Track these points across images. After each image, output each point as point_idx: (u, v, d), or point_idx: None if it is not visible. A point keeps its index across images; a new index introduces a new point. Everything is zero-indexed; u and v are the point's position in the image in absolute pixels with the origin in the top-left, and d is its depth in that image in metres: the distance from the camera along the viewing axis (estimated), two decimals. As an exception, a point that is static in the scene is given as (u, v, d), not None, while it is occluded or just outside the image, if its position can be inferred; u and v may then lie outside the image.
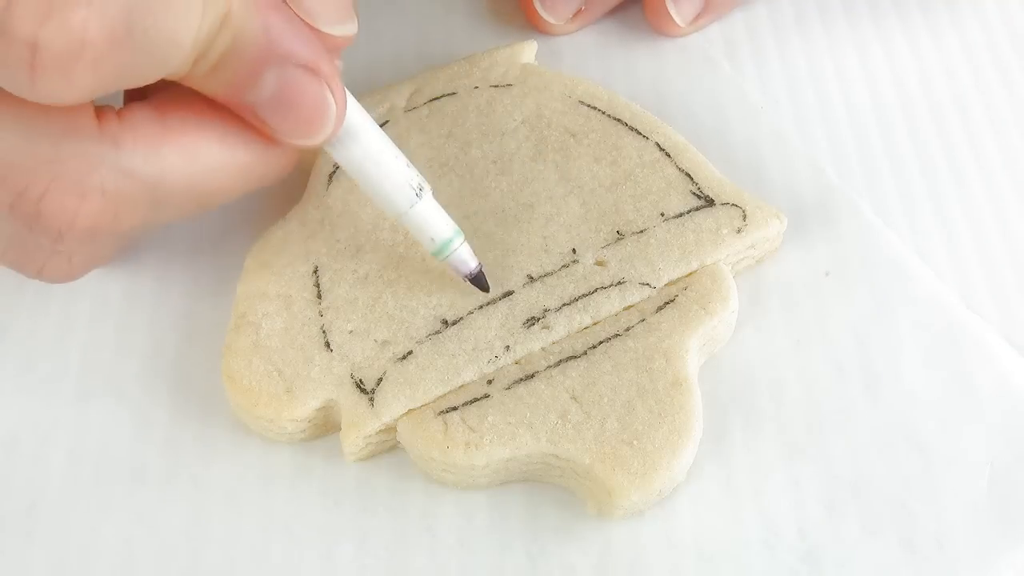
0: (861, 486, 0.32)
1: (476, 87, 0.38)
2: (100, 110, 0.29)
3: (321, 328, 0.33)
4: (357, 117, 0.31)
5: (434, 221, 0.33)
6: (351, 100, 0.31)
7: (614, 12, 0.42)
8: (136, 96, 0.30)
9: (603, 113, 0.37)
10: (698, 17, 0.41)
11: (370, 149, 0.31)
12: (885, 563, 0.31)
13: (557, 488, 0.33)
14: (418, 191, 0.32)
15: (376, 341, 0.33)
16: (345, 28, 0.30)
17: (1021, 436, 0.33)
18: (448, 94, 0.38)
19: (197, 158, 0.29)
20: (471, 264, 0.33)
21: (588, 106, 0.38)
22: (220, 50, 0.28)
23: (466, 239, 0.33)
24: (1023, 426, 0.33)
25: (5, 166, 0.28)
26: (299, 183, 0.37)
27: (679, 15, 0.41)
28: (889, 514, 0.32)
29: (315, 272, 0.34)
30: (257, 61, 0.28)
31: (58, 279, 0.32)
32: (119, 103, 0.30)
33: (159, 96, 0.30)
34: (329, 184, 0.36)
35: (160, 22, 0.26)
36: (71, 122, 0.28)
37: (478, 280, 0.33)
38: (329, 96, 0.29)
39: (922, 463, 0.33)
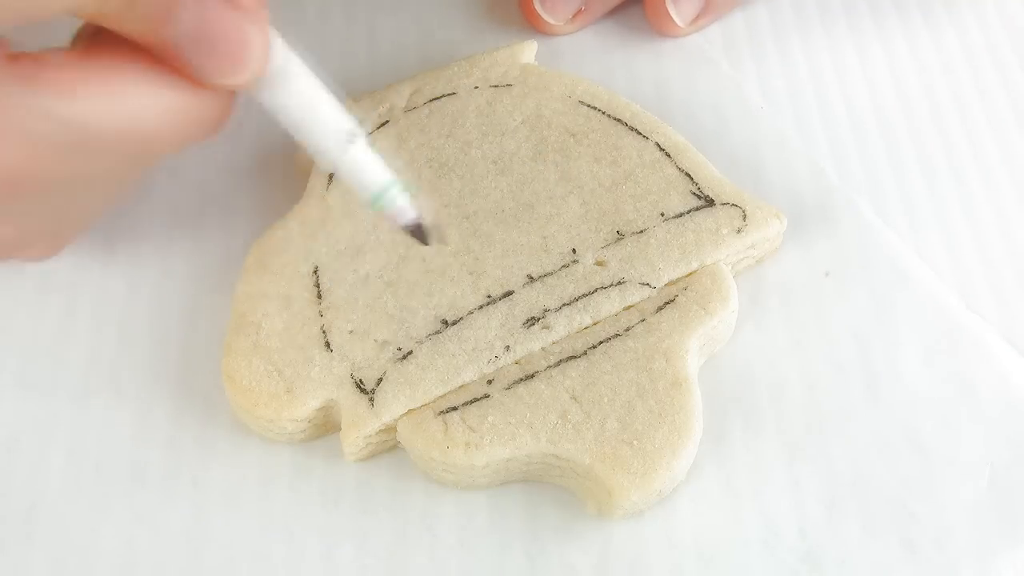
0: (861, 486, 0.32)
1: (476, 87, 0.38)
2: (16, 54, 0.27)
3: (321, 328, 0.33)
4: (286, 57, 0.29)
5: (368, 169, 0.30)
6: (279, 40, 0.29)
7: (614, 12, 0.42)
8: None
9: (603, 113, 0.37)
10: (698, 17, 0.41)
11: (299, 92, 0.29)
12: (885, 563, 0.31)
13: (557, 488, 0.33)
14: (351, 137, 0.30)
15: (376, 341, 0.33)
16: None
17: (1021, 436, 0.33)
18: (448, 94, 0.38)
19: (121, 100, 0.28)
20: (409, 214, 0.31)
21: (588, 106, 0.38)
22: None
23: (411, 190, 0.31)
24: (1023, 426, 0.33)
25: None
26: (299, 183, 0.37)
27: (679, 15, 0.41)
28: (889, 514, 0.32)
29: (315, 272, 0.34)
30: None
31: (2, 255, 0.31)
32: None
33: (83, 41, 0.28)
34: (329, 184, 0.36)
35: None
36: None
37: (418, 232, 0.31)
38: (251, 31, 0.27)
39: (922, 463, 0.33)
